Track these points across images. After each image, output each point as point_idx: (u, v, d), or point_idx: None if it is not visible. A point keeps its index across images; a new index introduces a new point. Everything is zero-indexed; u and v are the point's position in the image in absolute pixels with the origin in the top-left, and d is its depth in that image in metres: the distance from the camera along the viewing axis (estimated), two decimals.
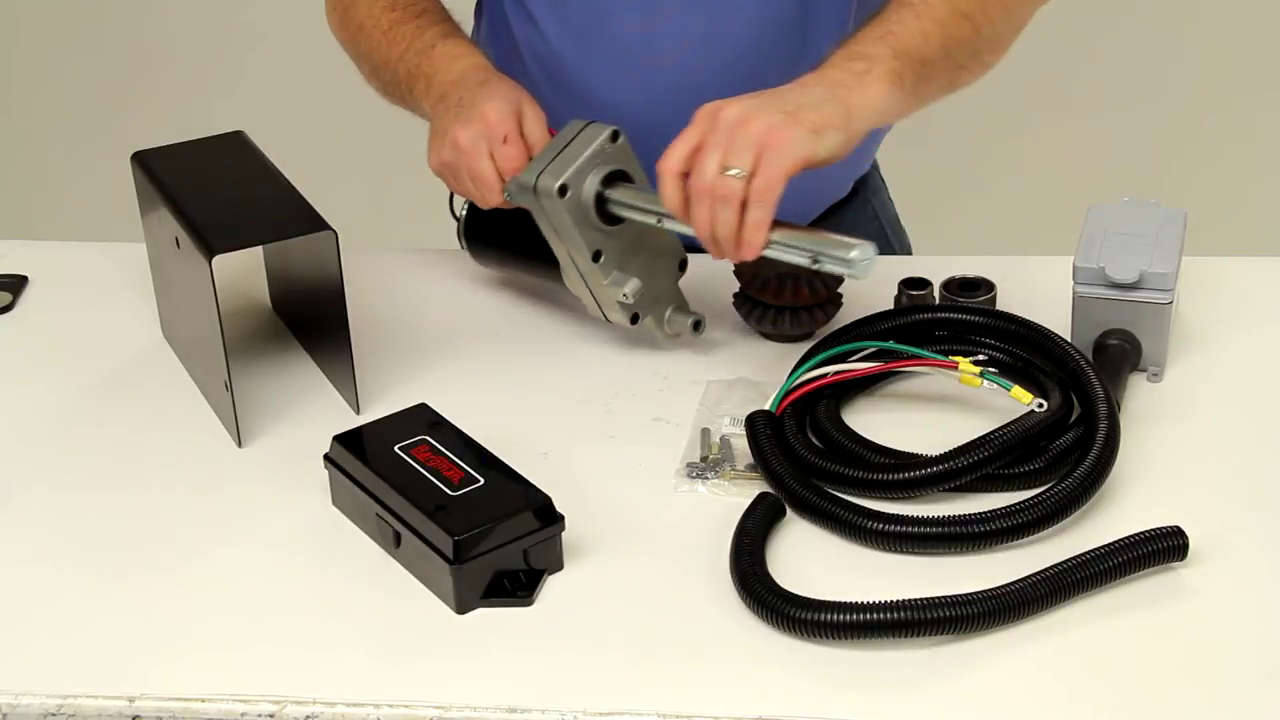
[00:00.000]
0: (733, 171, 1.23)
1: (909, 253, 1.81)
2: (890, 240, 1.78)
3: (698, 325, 1.45)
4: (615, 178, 1.39)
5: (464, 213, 1.55)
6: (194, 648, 1.15)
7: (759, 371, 1.42)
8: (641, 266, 1.43)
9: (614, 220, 1.39)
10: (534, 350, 1.49)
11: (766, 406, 1.31)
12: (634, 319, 1.44)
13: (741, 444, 1.31)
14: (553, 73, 1.61)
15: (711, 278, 1.54)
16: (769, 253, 1.26)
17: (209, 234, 1.32)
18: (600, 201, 1.38)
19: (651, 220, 1.35)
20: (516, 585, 1.18)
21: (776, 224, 1.26)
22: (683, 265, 1.46)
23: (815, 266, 1.27)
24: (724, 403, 1.38)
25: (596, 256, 1.39)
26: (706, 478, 1.29)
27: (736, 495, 1.26)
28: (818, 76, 1.33)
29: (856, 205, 1.74)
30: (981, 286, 1.47)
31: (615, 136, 1.38)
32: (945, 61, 1.37)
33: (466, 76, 1.49)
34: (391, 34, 1.55)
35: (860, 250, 1.23)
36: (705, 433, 1.34)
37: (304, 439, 1.34)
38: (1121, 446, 1.24)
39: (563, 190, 1.36)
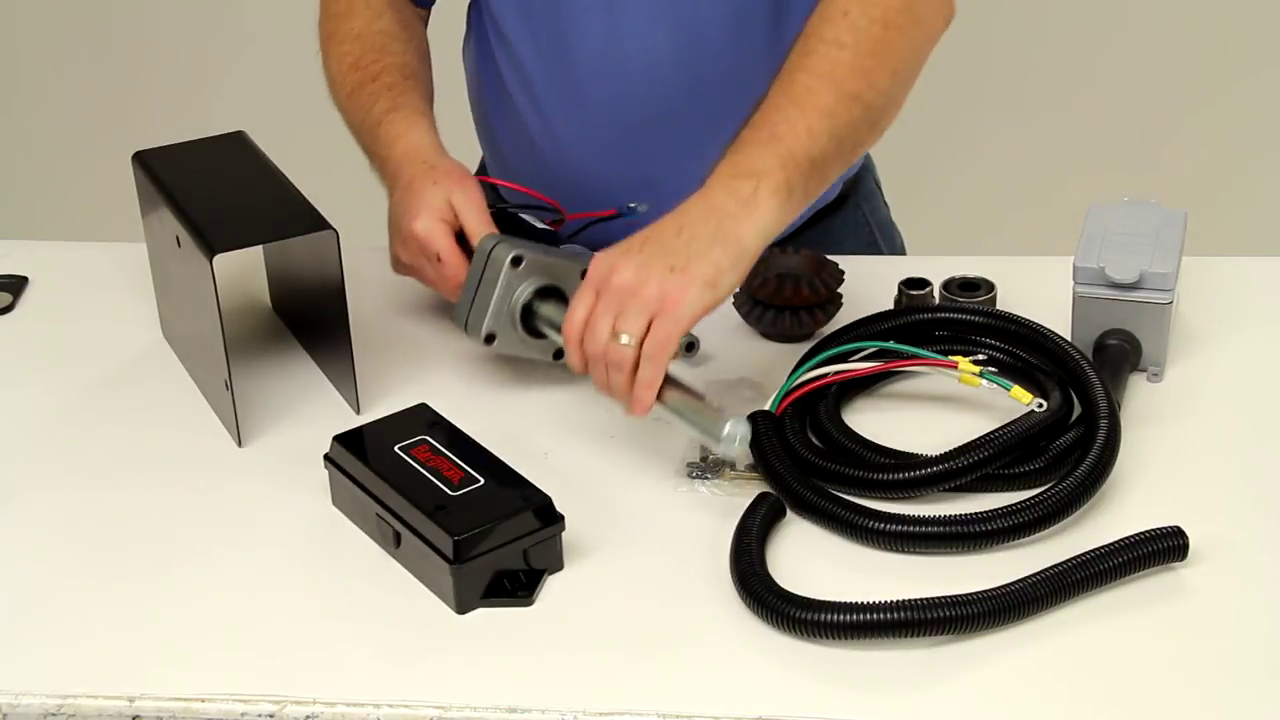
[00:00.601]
0: (623, 339, 1.24)
1: (902, 254, 1.81)
2: (880, 244, 1.77)
3: (690, 347, 1.44)
4: (536, 299, 1.36)
5: None
6: (194, 648, 1.15)
7: (759, 371, 1.42)
8: None
9: (534, 333, 1.38)
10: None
11: (766, 406, 1.31)
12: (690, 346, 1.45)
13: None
14: (531, 94, 1.62)
15: None
16: (660, 413, 1.26)
17: (210, 233, 1.32)
18: (527, 324, 1.37)
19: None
20: (516, 585, 1.18)
21: (669, 382, 1.25)
22: (690, 347, 1.44)
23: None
24: (724, 403, 1.37)
25: (558, 355, 1.38)
26: (706, 478, 1.29)
27: (736, 495, 1.26)
28: (703, 207, 1.28)
29: (847, 211, 1.73)
30: (981, 286, 1.47)
31: (517, 262, 1.35)
32: (837, 152, 1.33)
33: (401, 169, 1.47)
34: (354, 98, 1.56)
35: (732, 426, 1.20)
36: None
37: (304, 439, 1.34)
38: (1121, 446, 1.24)
39: (490, 339, 1.36)
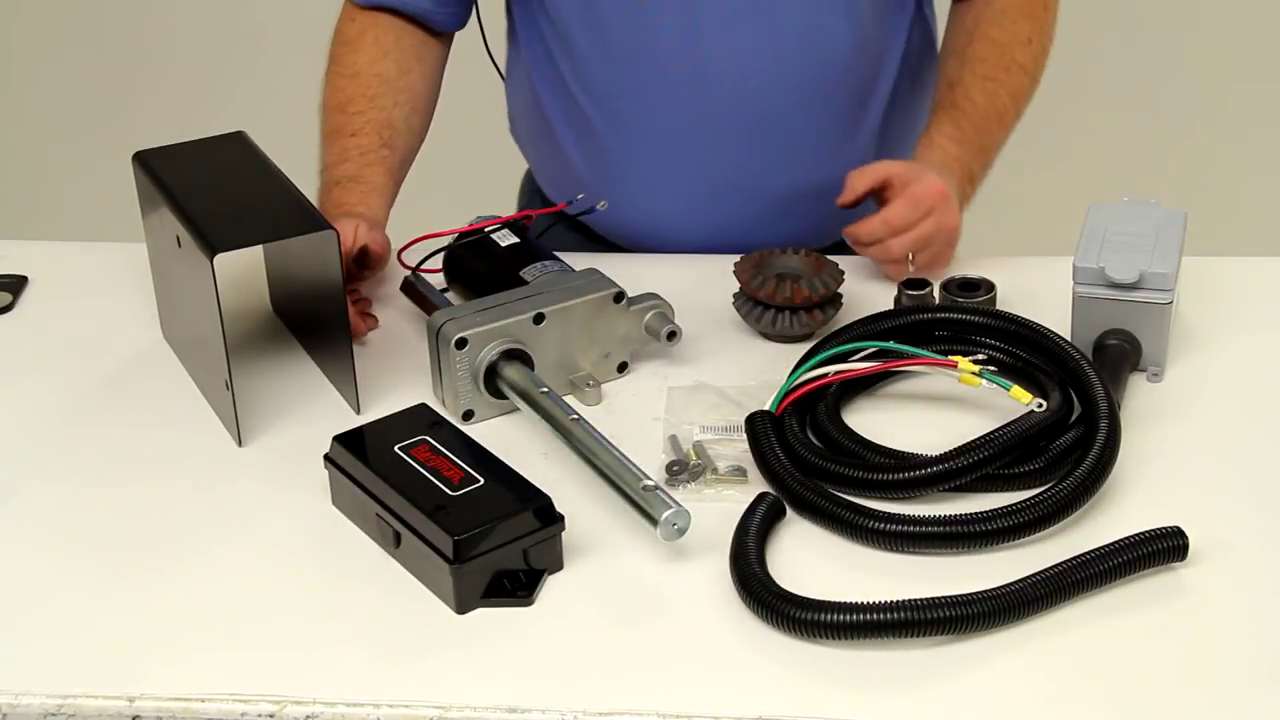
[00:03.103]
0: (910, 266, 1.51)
1: None
2: None
3: (671, 335, 1.44)
4: (501, 361, 1.36)
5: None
6: (194, 648, 1.15)
7: (759, 371, 1.42)
8: (581, 346, 1.41)
9: (500, 394, 1.37)
10: None
11: (766, 406, 1.31)
12: (622, 366, 1.44)
13: (719, 449, 1.32)
14: (602, 103, 1.62)
15: (712, 278, 1.54)
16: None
17: (210, 233, 1.32)
18: (491, 387, 1.37)
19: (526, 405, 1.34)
20: (516, 585, 1.18)
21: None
22: (671, 335, 1.43)
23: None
24: (690, 408, 1.38)
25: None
26: (685, 482, 1.28)
27: (716, 501, 1.26)
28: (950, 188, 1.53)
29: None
30: (981, 286, 1.47)
31: (461, 344, 1.35)
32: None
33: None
34: (329, 141, 1.60)
35: (671, 514, 1.17)
36: (674, 439, 1.34)
37: (304, 439, 1.34)
38: (1121, 446, 1.24)
39: (468, 415, 1.37)
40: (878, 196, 1.53)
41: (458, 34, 1.70)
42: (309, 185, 1.42)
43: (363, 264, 1.50)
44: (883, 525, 1.20)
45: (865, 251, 1.53)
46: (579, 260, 1.50)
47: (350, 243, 1.46)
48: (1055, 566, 1.14)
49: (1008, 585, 1.12)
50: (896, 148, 1.69)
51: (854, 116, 1.64)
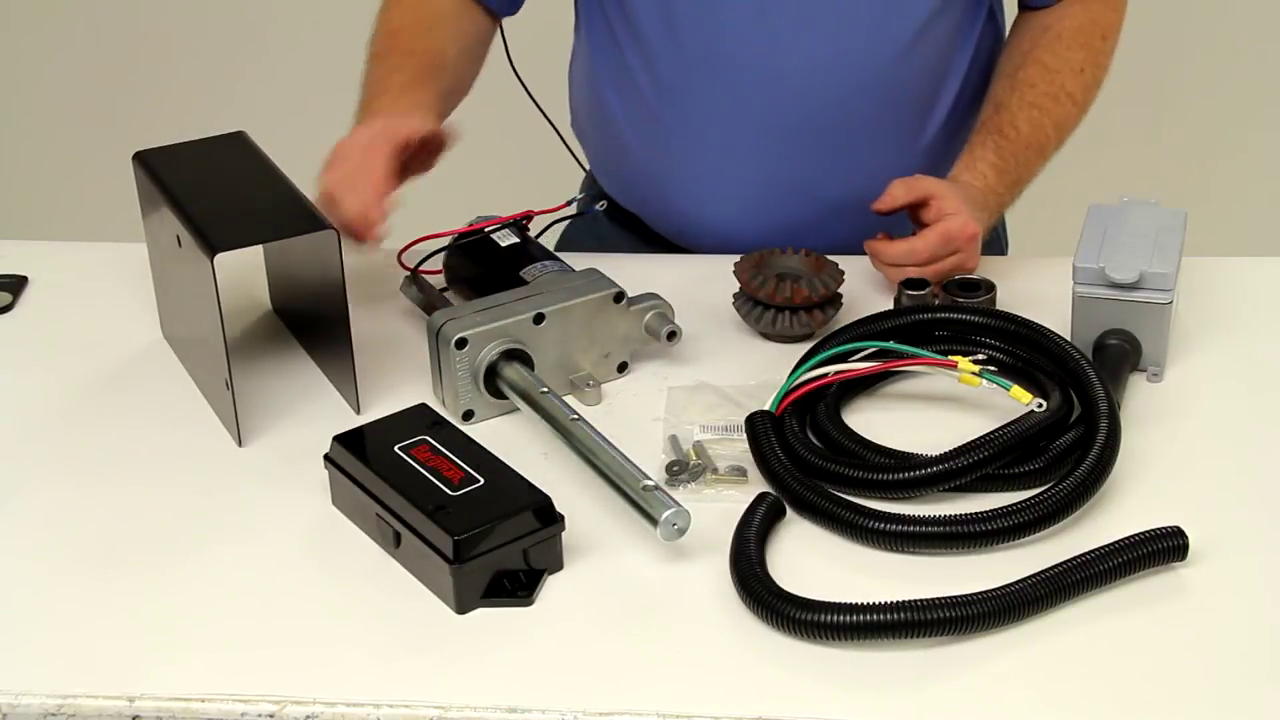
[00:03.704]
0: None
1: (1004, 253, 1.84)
2: (999, 236, 1.84)
3: (671, 335, 1.44)
4: (501, 362, 1.36)
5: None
6: (194, 648, 1.14)
7: (759, 371, 1.42)
8: (581, 346, 1.41)
9: (500, 394, 1.37)
10: None
11: (766, 406, 1.31)
12: (622, 366, 1.44)
13: (719, 449, 1.32)
14: (669, 98, 1.63)
15: (711, 278, 1.54)
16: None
17: (211, 233, 1.32)
18: (491, 387, 1.37)
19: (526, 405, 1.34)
20: (516, 585, 1.18)
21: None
22: (671, 335, 1.43)
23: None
24: (690, 408, 1.38)
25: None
26: (686, 482, 1.28)
27: (716, 501, 1.26)
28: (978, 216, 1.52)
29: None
30: (981, 286, 1.47)
31: (461, 344, 1.35)
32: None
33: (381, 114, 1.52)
34: (375, 60, 1.61)
35: (671, 514, 1.18)
36: (674, 439, 1.34)
37: (304, 439, 1.34)
38: (1121, 446, 1.24)
39: (468, 415, 1.37)
40: (911, 211, 1.52)
41: None
42: (309, 185, 1.42)
43: (432, 149, 1.50)
44: (883, 525, 1.20)
45: (879, 267, 1.53)
46: (579, 260, 1.50)
47: (415, 128, 1.46)
48: (1055, 566, 1.14)
49: (1008, 585, 1.12)
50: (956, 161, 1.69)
51: (919, 124, 1.64)
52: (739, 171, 1.64)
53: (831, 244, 1.54)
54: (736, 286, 1.49)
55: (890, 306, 1.46)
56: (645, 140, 1.67)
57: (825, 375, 1.33)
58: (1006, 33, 1.74)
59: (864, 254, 1.53)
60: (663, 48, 1.61)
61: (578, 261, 1.49)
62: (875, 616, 1.09)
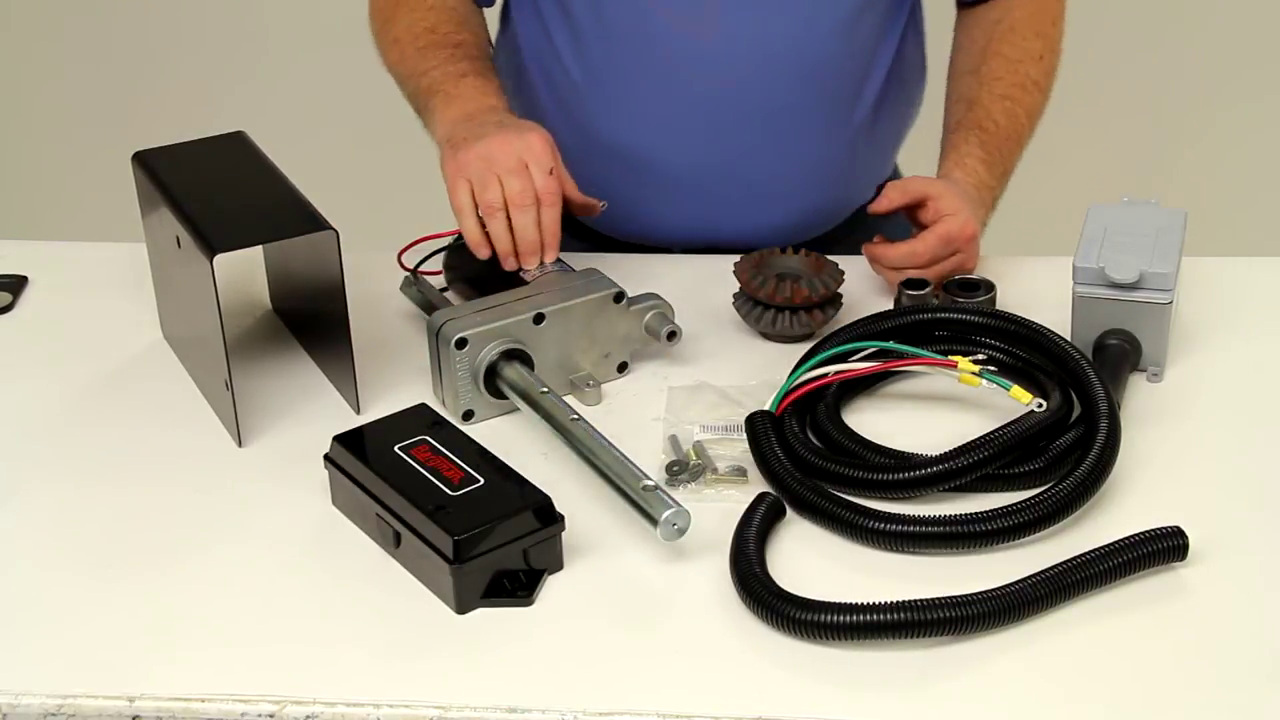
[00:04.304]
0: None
1: None
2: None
3: (671, 335, 1.44)
4: (501, 361, 1.36)
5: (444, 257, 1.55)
6: (194, 648, 1.14)
7: (759, 371, 1.42)
8: (581, 346, 1.41)
9: (500, 394, 1.38)
10: None
11: (766, 406, 1.31)
12: (622, 366, 1.44)
13: (718, 449, 1.32)
14: (597, 81, 1.62)
15: (711, 278, 1.54)
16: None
17: (210, 233, 1.32)
18: (491, 387, 1.37)
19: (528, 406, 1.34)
20: (516, 585, 1.18)
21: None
22: (671, 335, 1.44)
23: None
24: (690, 408, 1.38)
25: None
26: (685, 482, 1.28)
27: (716, 501, 1.26)
28: (968, 202, 1.54)
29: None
30: (981, 286, 1.47)
31: (461, 344, 1.35)
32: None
33: (497, 107, 1.53)
34: (425, 52, 1.60)
35: (671, 514, 1.17)
36: (674, 439, 1.34)
37: (304, 439, 1.34)
38: (1121, 446, 1.24)
39: (468, 415, 1.37)
40: (908, 213, 1.53)
41: None
42: (309, 185, 1.41)
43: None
44: (883, 525, 1.20)
45: (878, 270, 1.53)
46: (579, 260, 1.50)
47: (557, 161, 1.47)
48: (1055, 566, 1.14)
49: (1008, 585, 1.12)
50: (880, 150, 1.71)
51: (845, 112, 1.64)
52: (666, 156, 1.63)
53: (761, 230, 1.54)
54: (736, 286, 1.49)
55: (890, 306, 1.46)
56: (572, 127, 1.66)
57: (825, 375, 1.33)
58: (924, 31, 1.74)
59: (857, 253, 1.54)
60: (590, 29, 1.60)
61: (577, 262, 1.49)
62: (875, 616, 1.09)
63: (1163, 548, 1.16)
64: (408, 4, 1.65)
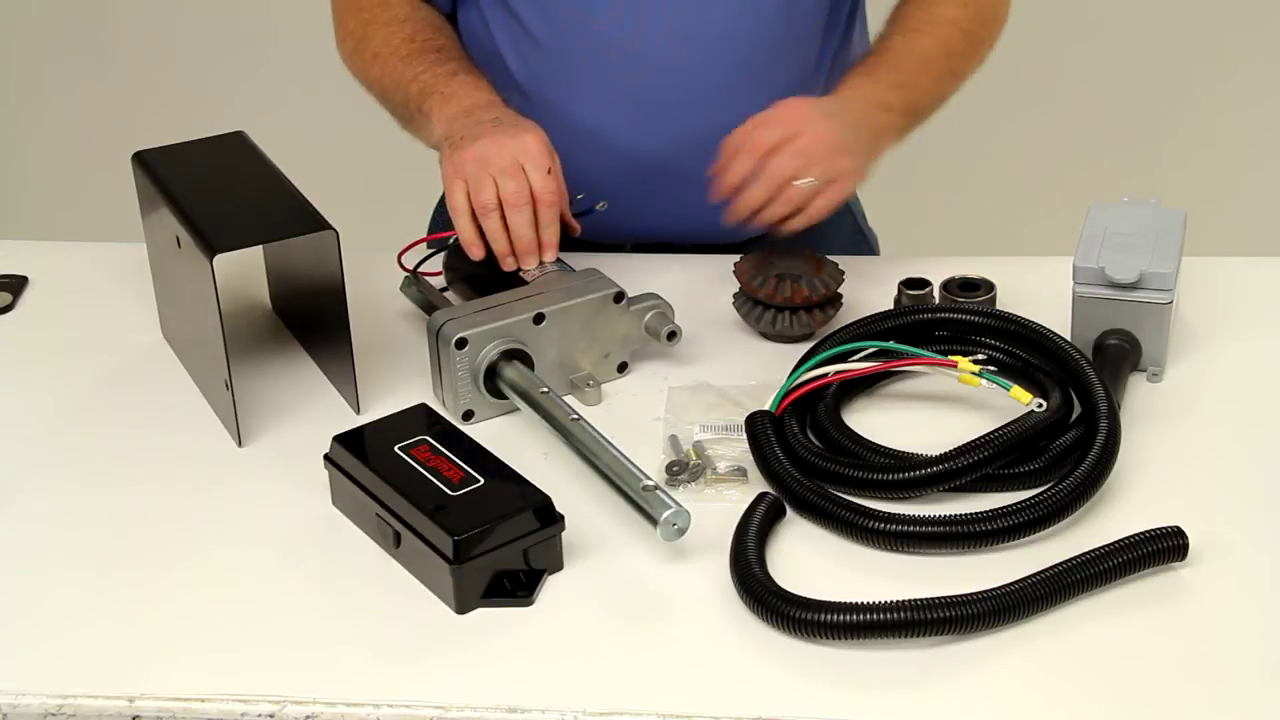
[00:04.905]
0: (807, 182, 1.42)
1: (876, 253, 1.82)
2: (867, 237, 1.83)
3: (671, 335, 1.44)
4: (501, 362, 1.36)
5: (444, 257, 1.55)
6: (194, 648, 1.15)
7: (759, 371, 1.42)
8: (581, 346, 1.41)
9: (500, 394, 1.37)
10: None
11: (766, 406, 1.31)
12: (622, 366, 1.44)
13: (719, 449, 1.32)
14: (537, 75, 1.61)
15: (711, 278, 1.54)
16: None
17: (210, 233, 1.32)
18: (491, 387, 1.37)
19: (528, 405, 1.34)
20: (516, 585, 1.18)
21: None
22: (671, 335, 1.43)
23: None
24: (690, 408, 1.38)
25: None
26: (685, 482, 1.28)
27: (716, 501, 1.26)
28: (854, 114, 1.49)
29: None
30: (981, 286, 1.47)
31: (461, 344, 1.35)
32: (922, 117, 1.57)
33: (494, 102, 1.52)
34: (409, 60, 1.59)
35: (671, 514, 1.17)
36: (674, 439, 1.34)
37: (304, 439, 1.34)
38: (1121, 446, 1.24)
39: (468, 415, 1.37)
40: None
41: None
42: (309, 185, 1.42)
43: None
44: (883, 525, 1.20)
45: (735, 217, 1.47)
46: (579, 260, 1.50)
47: (554, 162, 1.46)
48: (1055, 566, 1.14)
49: (1008, 585, 1.12)
50: None
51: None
52: (608, 150, 1.61)
53: (703, 227, 1.54)
54: (736, 286, 1.49)
55: (890, 306, 1.46)
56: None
57: (825, 375, 1.33)
58: (868, 19, 1.73)
59: (809, 244, 1.53)
60: (533, 23, 1.60)
61: (577, 262, 1.49)
62: (875, 616, 1.09)
63: (1162, 548, 1.16)
64: (380, 20, 1.63)
